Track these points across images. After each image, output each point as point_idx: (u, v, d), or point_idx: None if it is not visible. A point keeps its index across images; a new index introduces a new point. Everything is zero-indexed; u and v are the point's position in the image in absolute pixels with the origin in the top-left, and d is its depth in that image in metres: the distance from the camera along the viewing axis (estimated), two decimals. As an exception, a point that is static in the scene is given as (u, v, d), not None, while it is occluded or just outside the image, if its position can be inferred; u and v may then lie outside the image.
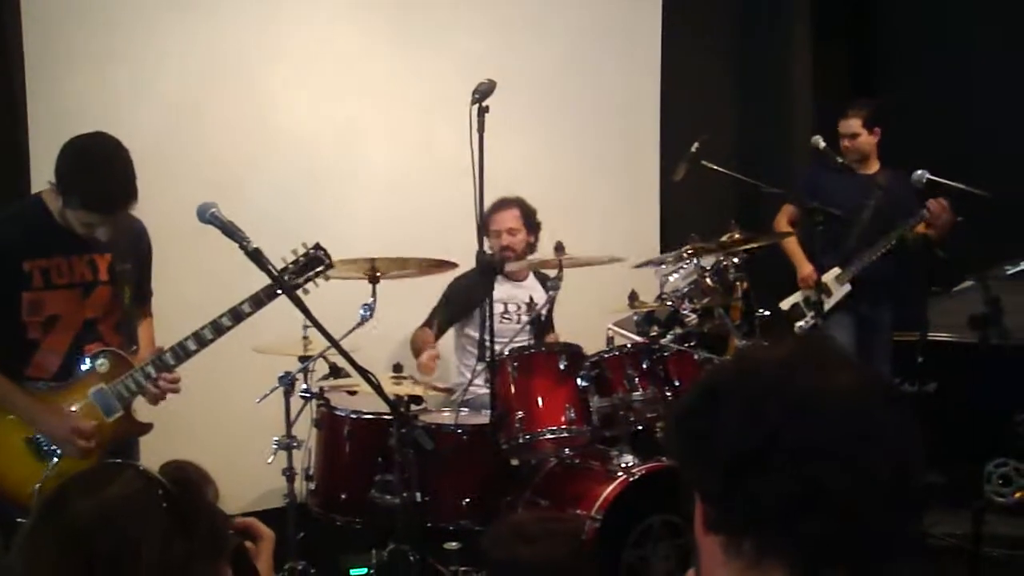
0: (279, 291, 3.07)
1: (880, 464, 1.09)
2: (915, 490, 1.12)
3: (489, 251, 4.49)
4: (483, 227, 3.87)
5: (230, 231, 2.92)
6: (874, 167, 5.39)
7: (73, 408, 3.23)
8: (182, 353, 3.22)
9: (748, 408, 1.11)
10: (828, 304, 5.11)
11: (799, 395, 1.11)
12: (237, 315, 3.20)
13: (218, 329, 3.21)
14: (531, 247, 4.94)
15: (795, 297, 5.38)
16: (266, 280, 3.05)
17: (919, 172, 4.39)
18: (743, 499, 1.10)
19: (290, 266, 3.28)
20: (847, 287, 5.26)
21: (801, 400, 1.10)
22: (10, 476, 3.18)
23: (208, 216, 2.95)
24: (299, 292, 3.21)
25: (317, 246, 3.34)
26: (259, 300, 3.18)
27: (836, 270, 5.24)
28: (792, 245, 5.36)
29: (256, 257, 2.92)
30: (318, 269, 3.32)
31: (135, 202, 3.13)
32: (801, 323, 5.30)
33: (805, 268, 5.26)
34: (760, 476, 1.09)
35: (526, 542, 2.48)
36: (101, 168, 3.09)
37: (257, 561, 1.54)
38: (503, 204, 4.90)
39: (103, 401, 3.24)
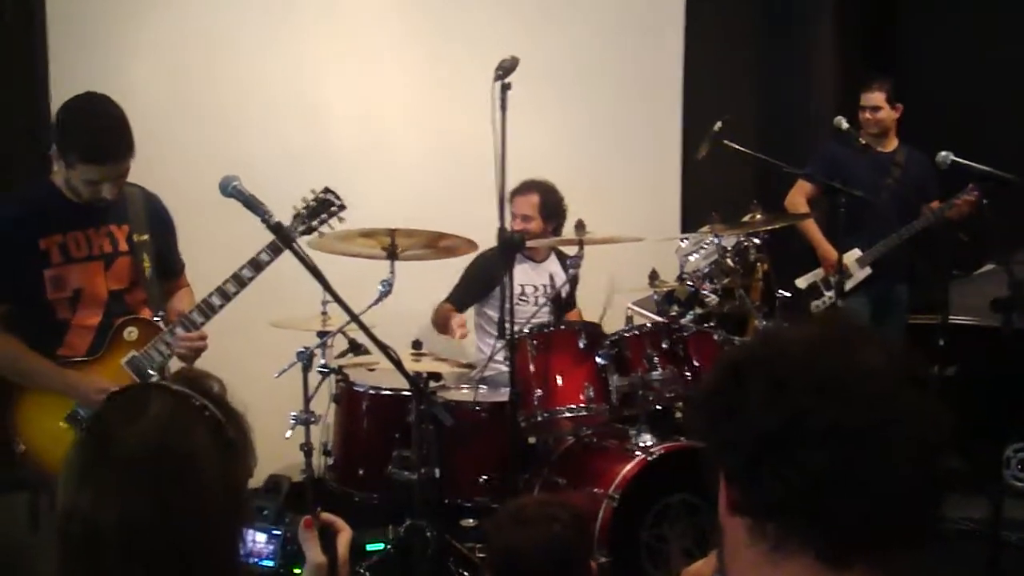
0: (292, 237, 3.03)
1: (907, 446, 1.07)
2: (941, 473, 1.10)
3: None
4: (509, 204, 3.83)
5: (252, 205, 2.91)
6: (892, 144, 5.36)
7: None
8: (207, 309, 3.24)
9: (774, 388, 1.09)
10: (848, 285, 5.07)
11: (826, 375, 1.08)
12: (257, 265, 3.21)
13: (240, 281, 3.22)
14: (553, 233, 4.84)
15: (812, 276, 5.33)
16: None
17: (943, 154, 4.34)
18: (768, 480, 1.08)
19: (302, 211, 3.30)
20: (868, 270, 5.22)
21: (828, 380, 1.08)
22: (54, 453, 3.17)
23: (231, 189, 2.93)
24: (315, 235, 3.32)
25: (327, 189, 3.35)
26: (276, 247, 3.16)
27: (856, 251, 5.19)
28: (811, 225, 5.31)
29: (278, 231, 2.93)
30: (331, 210, 3.33)
31: (132, 153, 3.10)
32: (818, 302, 5.27)
33: (828, 250, 5.19)
34: (785, 457, 1.07)
35: (523, 526, 2.45)
36: (93, 118, 3.09)
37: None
38: (524, 188, 4.82)
39: (137, 368, 3.23)
